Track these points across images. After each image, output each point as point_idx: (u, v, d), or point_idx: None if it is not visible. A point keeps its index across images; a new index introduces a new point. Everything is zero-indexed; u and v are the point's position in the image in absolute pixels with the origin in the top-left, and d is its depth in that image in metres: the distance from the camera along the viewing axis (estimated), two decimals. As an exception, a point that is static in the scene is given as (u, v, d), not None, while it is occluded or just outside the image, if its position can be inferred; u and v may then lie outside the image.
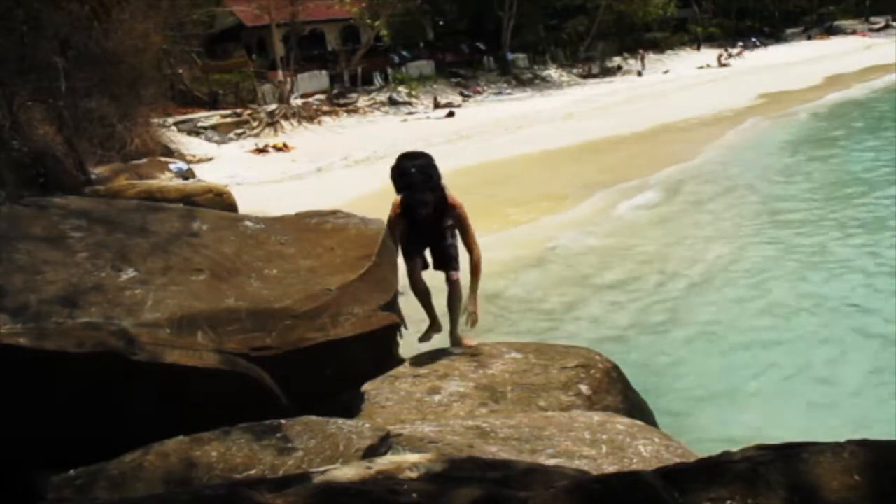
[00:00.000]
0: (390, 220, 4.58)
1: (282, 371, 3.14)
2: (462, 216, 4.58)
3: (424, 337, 4.80)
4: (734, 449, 1.53)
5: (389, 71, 31.33)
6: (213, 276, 3.29)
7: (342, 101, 27.66)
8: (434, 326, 4.78)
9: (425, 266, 4.63)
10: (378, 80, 30.61)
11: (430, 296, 4.73)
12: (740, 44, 43.57)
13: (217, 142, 22.56)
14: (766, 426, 5.07)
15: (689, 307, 7.69)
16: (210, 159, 20.04)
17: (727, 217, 11.31)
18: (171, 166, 15.48)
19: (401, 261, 4.59)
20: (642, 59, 37.90)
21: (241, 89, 26.50)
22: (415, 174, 4.45)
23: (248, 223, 3.75)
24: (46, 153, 10.94)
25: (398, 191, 4.56)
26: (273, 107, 25.14)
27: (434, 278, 4.73)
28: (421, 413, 3.80)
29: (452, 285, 4.67)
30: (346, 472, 1.83)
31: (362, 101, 28.15)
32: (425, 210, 4.43)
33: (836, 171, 14.06)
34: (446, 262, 4.64)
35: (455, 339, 4.72)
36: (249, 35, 30.98)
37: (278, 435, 2.58)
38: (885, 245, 8.93)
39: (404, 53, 33.03)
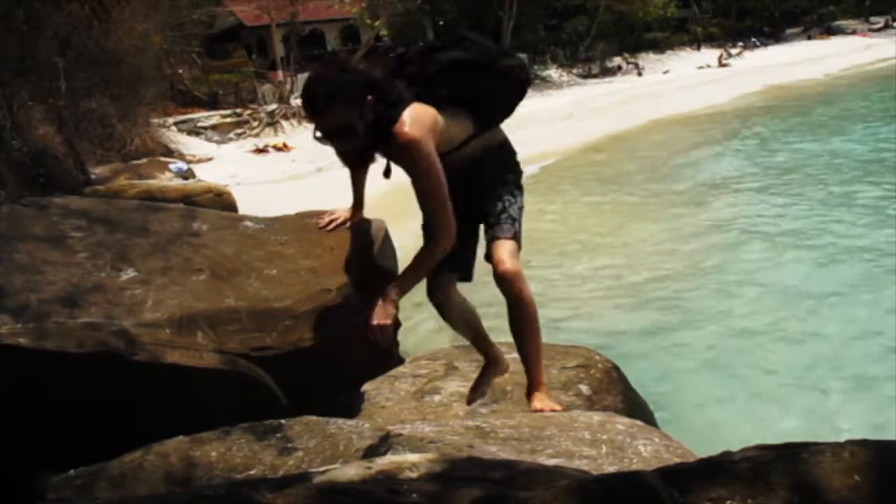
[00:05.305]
0: None
1: (282, 371, 3.13)
2: (415, 157, 2.58)
3: (477, 392, 3.21)
4: (734, 449, 1.53)
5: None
6: (213, 276, 3.29)
7: (342, 101, 27.62)
8: (494, 364, 3.20)
9: (464, 274, 2.96)
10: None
11: (477, 320, 3.14)
12: (740, 44, 43.56)
13: (217, 142, 22.55)
14: (766, 426, 5.07)
15: (690, 305, 7.69)
16: (210, 159, 20.03)
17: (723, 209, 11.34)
18: (171, 166, 15.48)
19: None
20: (637, 66, 37.85)
21: (241, 89, 26.53)
22: (310, 85, 2.58)
23: (248, 223, 3.73)
24: (46, 153, 10.95)
25: None
26: (273, 107, 25.14)
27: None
28: (421, 413, 3.80)
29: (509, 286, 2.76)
30: (346, 472, 1.83)
31: (362, 101, 28.14)
32: (343, 144, 2.63)
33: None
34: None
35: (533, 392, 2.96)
36: (249, 35, 31.03)
37: (278, 435, 2.57)
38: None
39: (404, 53, 32.99)
